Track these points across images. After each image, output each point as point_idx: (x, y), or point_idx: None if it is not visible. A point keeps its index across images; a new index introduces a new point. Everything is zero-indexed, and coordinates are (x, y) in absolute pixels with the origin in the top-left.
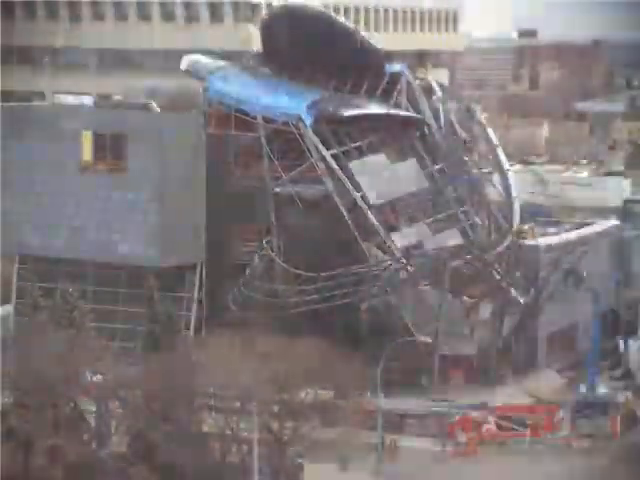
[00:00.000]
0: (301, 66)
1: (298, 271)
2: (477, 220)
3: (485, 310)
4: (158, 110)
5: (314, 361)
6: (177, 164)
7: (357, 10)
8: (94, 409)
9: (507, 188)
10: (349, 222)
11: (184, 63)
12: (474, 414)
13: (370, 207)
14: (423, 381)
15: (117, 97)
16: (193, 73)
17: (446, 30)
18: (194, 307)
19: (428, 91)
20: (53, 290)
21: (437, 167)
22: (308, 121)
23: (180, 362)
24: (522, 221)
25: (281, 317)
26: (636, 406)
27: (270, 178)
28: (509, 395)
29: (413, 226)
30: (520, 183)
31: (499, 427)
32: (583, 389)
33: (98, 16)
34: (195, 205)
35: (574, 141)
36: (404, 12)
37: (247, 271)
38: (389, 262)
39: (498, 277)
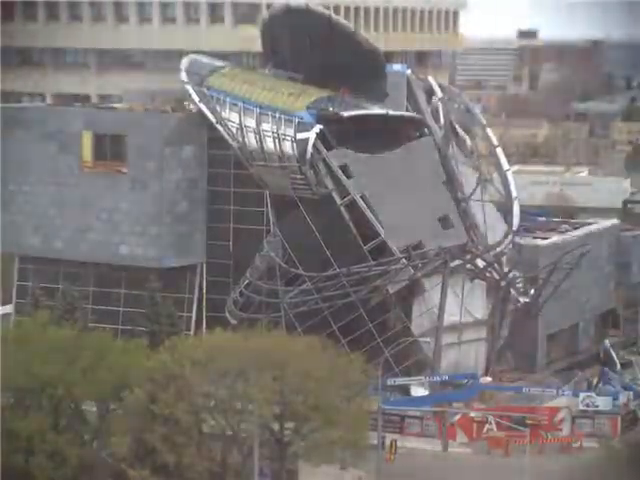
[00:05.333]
0: (301, 66)
1: (299, 271)
2: (477, 220)
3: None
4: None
5: (315, 361)
6: (178, 164)
7: (357, 10)
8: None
9: (507, 188)
10: (349, 222)
11: (184, 63)
12: (474, 414)
13: (370, 208)
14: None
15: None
16: (194, 73)
17: (446, 30)
18: (194, 308)
19: (428, 92)
20: (54, 290)
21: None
22: (308, 121)
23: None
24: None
25: (282, 317)
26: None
27: (270, 178)
28: None
29: (413, 226)
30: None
31: (499, 427)
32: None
33: (98, 17)
34: (196, 205)
35: (574, 142)
36: (404, 12)
37: (248, 272)
38: (390, 262)
39: (498, 277)
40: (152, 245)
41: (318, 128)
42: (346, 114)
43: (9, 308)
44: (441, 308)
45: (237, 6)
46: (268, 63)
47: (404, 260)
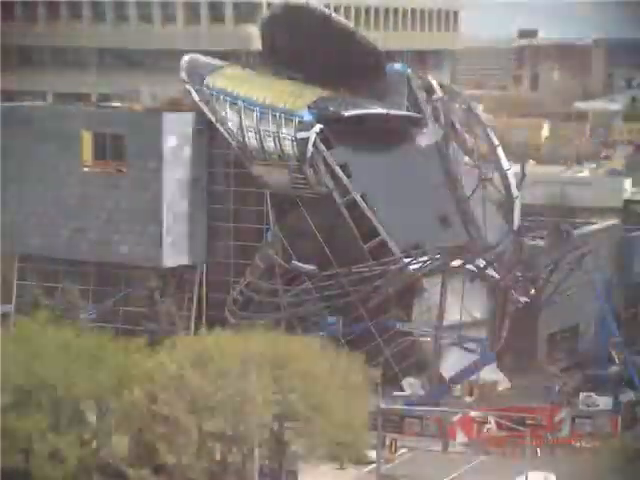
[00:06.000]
0: (301, 65)
1: (298, 264)
2: (477, 220)
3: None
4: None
5: (315, 361)
6: (178, 164)
7: (357, 10)
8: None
9: (507, 188)
10: (349, 222)
11: (184, 62)
12: (474, 414)
13: (370, 207)
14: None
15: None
16: (193, 72)
17: (446, 30)
18: (194, 307)
19: (429, 91)
20: (54, 290)
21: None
22: (309, 121)
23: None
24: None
25: (282, 316)
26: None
27: (271, 178)
28: None
29: (413, 226)
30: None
31: (499, 427)
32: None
33: (99, 16)
34: (196, 205)
35: (574, 141)
36: (404, 11)
37: (248, 271)
38: (390, 262)
39: (498, 277)
40: (152, 244)
41: (318, 127)
42: (346, 113)
43: (9, 307)
44: (441, 308)
45: (238, 5)
46: (268, 62)
47: (404, 260)
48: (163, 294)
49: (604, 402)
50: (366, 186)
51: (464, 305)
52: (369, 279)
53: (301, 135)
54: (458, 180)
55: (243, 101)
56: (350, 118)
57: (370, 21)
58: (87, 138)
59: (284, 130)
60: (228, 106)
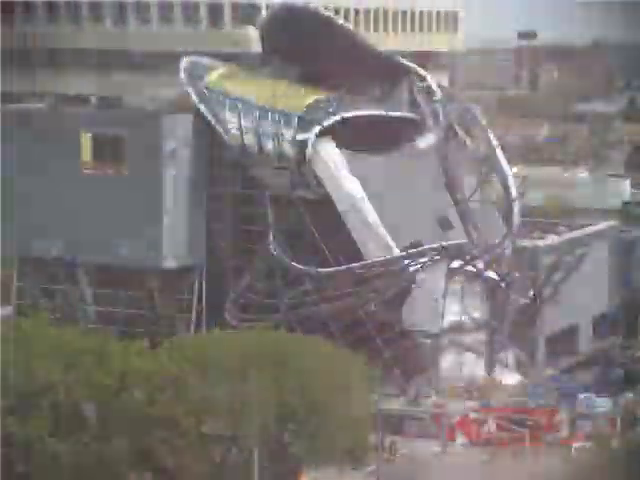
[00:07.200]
0: (301, 67)
1: (299, 266)
2: (477, 221)
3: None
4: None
5: (315, 361)
6: (177, 165)
7: (357, 11)
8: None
9: (507, 189)
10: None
11: (184, 64)
12: (474, 415)
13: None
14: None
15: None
16: (193, 74)
17: (446, 31)
18: (194, 308)
19: (428, 92)
20: (53, 291)
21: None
22: (308, 122)
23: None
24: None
25: (282, 318)
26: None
27: (270, 179)
28: None
29: (412, 227)
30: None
31: (499, 428)
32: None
33: (98, 17)
34: (195, 206)
35: (574, 142)
36: (403, 13)
37: (247, 272)
38: (389, 262)
39: (497, 278)
40: (152, 246)
41: (318, 129)
42: (345, 115)
43: (9, 309)
44: (440, 309)
45: (237, 7)
46: (267, 63)
47: (403, 261)
48: (163, 296)
49: (603, 403)
50: (365, 187)
51: (463, 306)
52: (369, 280)
53: (300, 136)
54: (457, 181)
55: (242, 102)
56: (349, 119)
57: (370, 22)
58: (86, 139)
59: (283, 131)
60: (227, 107)
